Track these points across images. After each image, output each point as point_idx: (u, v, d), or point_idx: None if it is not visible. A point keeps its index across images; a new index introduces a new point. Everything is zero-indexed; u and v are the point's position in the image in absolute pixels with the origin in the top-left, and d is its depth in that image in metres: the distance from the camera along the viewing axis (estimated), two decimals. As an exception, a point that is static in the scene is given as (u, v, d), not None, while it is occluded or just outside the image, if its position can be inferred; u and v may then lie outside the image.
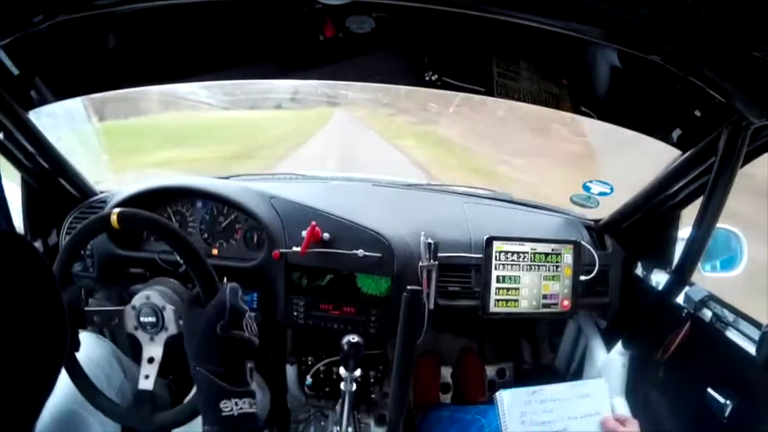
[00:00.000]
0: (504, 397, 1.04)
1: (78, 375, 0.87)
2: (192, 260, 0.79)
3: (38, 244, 1.31)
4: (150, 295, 0.85)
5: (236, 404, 0.70)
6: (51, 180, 1.28)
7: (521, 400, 1.03)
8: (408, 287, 0.83)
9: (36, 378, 0.46)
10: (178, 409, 0.83)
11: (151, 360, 0.86)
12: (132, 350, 1.21)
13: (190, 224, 1.32)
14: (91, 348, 1.09)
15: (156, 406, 0.85)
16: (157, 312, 0.85)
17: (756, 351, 0.94)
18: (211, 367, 0.71)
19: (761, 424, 0.93)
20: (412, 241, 1.21)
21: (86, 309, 0.86)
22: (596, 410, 1.04)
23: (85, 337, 1.14)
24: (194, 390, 0.77)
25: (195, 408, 0.80)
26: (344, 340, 0.99)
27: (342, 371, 0.99)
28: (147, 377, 0.85)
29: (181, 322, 0.84)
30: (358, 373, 0.99)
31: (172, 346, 0.86)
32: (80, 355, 0.95)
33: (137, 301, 0.86)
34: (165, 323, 0.85)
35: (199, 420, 0.77)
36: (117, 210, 0.79)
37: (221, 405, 0.69)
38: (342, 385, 1.00)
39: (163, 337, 0.86)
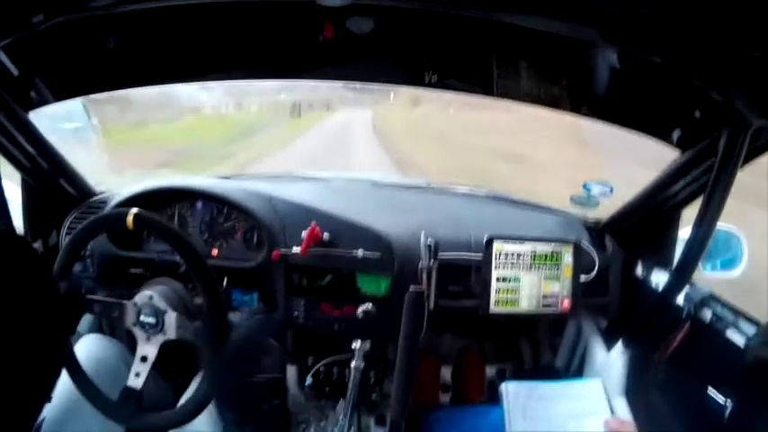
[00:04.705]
0: (510, 389, 1.06)
1: (72, 365, 0.87)
2: (205, 283, 0.79)
3: (38, 244, 1.31)
4: (153, 296, 0.86)
5: None
6: (51, 180, 1.28)
7: (523, 395, 1.04)
8: (411, 287, 0.83)
9: (35, 378, 0.46)
10: (166, 414, 0.84)
11: (144, 359, 0.86)
12: (129, 346, 1.21)
13: (190, 225, 1.31)
14: (99, 349, 1.10)
15: (142, 404, 0.86)
16: (158, 314, 0.85)
17: (745, 346, 0.94)
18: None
19: (761, 424, 0.92)
20: (412, 241, 1.21)
21: (88, 297, 0.87)
22: (593, 410, 1.04)
23: (94, 339, 1.15)
24: (184, 397, 0.77)
25: (183, 415, 0.80)
26: (360, 309, 1.10)
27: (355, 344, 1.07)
28: (137, 375, 0.86)
29: (181, 330, 0.85)
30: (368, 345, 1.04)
31: (177, 351, 0.86)
32: (87, 356, 0.95)
33: (139, 298, 0.86)
34: (164, 327, 0.85)
35: (195, 420, 0.77)
36: (135, 210, 0.79)
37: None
38: (351, 365, 1.06)
39: (160, 339, 0.86)
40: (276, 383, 0.78)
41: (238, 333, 0.76)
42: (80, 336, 1.27)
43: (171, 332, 0.85)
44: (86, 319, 1.35)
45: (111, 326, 1.37)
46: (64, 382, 0.88)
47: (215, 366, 0.77)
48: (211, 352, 0.78)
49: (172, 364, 0.86)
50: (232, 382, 0.74)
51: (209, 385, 0.81)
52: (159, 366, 0.87)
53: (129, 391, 0.85)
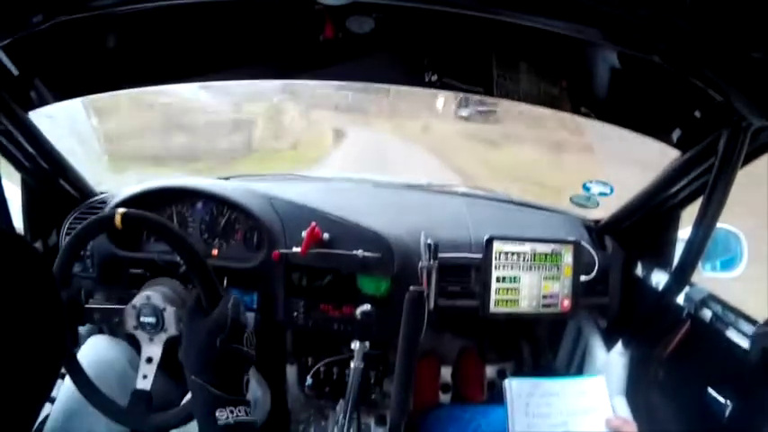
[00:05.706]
0: (513, 385, 1.06)
1: (77, 373, 0.87)
2: (195, 264, 0.78)
3: (38, 244, 1.31)
4: (151, 296, 0.86)
5: (232, 412, 0.69)
6: (51, 181, 1.28)
7: (525, 391, 1.05)
8: (411, 288, 0.83)
9: (35, 378, 0.46)
10: (175, 411, 0.83)
11: (149, 360, 0.86)
12: (133, 348, 1.21)
13: (190, 225, 1.31)
14: (105, 351, 1.10)
15: (151, 406, 0.85)
16: (158, 313, 0.85)
17: (749, 349, 0.94)
18: (208, 377, 0.71)
19: (761, 424, 0.93)
20: (412, 241, 1.21)
21: (87, 306, 0.86)
22: (595, 407, 1.05)
23: (100, 340, 1.15)
24: (189, 394, 0.76)
25: (190, 412, 0.80)
26: (358, 310, 1.12)
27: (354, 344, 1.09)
28: (144, 377, 0.86)
29: (181, 324, 0.84)
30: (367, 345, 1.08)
31: (177, 349, 0.86)
32: (94, 357, 0.94)
33: (137, 300, 0.86)
34: (164, 324, 0.85)
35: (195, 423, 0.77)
36: (121, 210, 0.79)
37: (217, 414, 0.69)
38: (351, 364, 1.08)
39: (162, 337, 0.86)
40: (247, 359, 0.76)
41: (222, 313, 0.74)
42: (81, 337, 1.27)
43: (172, 328, 0.85)
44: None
45: (112, 330, 1.36)
46: (67, 382, 0.87)
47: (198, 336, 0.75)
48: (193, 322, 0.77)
49: (176, 362, 0.86)
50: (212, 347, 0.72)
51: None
52: (164, 365, 0.87)
53: (139, 394, 0.85)
